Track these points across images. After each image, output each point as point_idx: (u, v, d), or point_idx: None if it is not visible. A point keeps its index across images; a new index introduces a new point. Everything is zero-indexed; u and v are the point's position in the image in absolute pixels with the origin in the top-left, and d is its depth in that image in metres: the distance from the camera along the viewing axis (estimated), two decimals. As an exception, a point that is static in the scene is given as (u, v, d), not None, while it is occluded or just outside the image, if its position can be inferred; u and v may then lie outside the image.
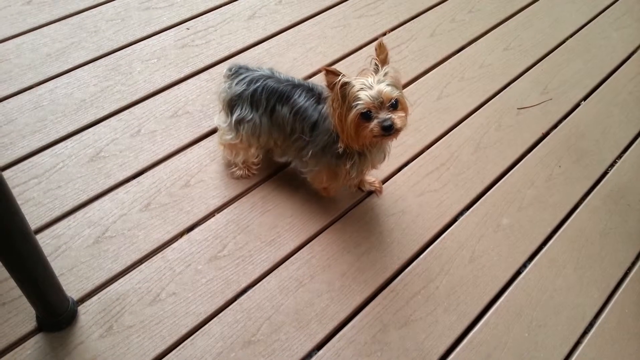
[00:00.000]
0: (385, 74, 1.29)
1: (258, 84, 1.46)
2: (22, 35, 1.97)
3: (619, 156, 1.98)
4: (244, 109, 1.48)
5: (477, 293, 1.55)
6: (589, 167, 1.92)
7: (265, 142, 1.55)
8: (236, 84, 1.49)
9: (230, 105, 1.51)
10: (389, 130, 1.26)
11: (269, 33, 2.14)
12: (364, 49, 2.15)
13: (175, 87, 1.90)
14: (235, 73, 1.52)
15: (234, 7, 2.22)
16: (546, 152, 1.93)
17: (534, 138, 1.96)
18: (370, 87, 1.26)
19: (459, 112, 1.99)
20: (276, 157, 1.65)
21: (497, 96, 2.08)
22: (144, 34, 2.04)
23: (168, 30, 2.07)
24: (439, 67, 2.14)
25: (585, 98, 2.16)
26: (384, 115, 1.26)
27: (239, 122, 1.50)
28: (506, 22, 2.41)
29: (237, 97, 1.48)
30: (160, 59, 1.97)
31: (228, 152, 1.64)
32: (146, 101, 1.84)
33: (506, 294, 1.57)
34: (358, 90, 1.26)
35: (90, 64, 1.92)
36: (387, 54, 1.30)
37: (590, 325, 1.55)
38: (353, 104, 1.26)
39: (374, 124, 1.27)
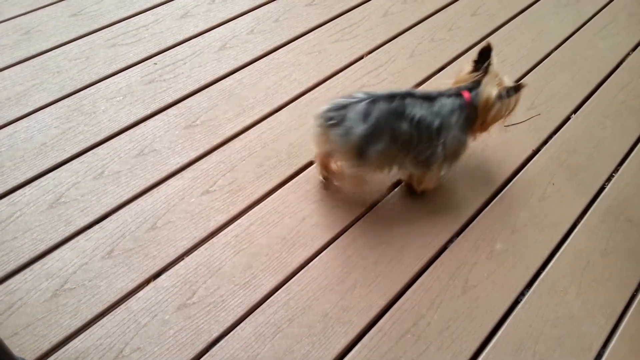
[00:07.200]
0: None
1: (374, 114, 1.37)
2: (-19, 80, 1.89)
3: (616, 169, 1.87)
4: (373, 144, 1.39)
5: (473, 327, 1.42)
6: (584, 183, 1.80)
7: (391, 162, 1.50)
8: (353, 127, 1.37)
9: (359, 149, 1.40)
10: None
11: (240, 63, 2.05)
12: (341, 73, 2.06)
13: (142, 124, 1.79)
14: (333, 120, 1.39)
15: (203, 39, 2.14)
16: (538, 170, 1.82)
17: (524, 156, 1.85)
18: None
19: (443, 133, 1.88)
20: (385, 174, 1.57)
21: (482, 114, 1.98)
22: (109, 72, 1.95)
23: (134, 67, 1.98)
24: (419, 87, 2.05)
25: (575, 111, 2.06)
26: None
27: (372, 155, 1.41)
28: (488, 38, 2.32)
29: (364, 139, 1.38)
30: (126, 96, 1.87)
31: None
32: (110, 141, 1.74)
33: (504, 326, 1.44)
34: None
35: (52, 106, 1.82)
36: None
37: (599, 355, 1.43)
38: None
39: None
